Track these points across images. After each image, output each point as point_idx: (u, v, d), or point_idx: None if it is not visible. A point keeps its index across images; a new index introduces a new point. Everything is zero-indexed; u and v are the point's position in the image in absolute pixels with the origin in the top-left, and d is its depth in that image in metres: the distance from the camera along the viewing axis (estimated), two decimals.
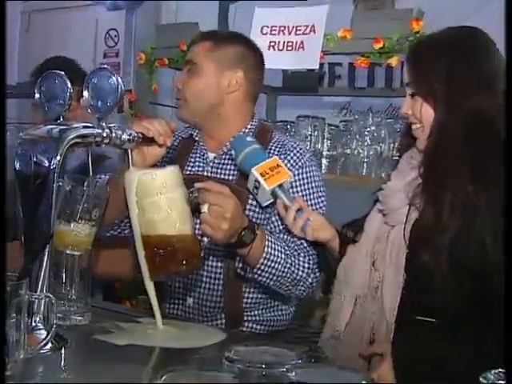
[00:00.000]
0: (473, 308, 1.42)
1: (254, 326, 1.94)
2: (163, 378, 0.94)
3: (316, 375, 0.98)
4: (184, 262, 1.52)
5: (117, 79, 1.46)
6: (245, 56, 1.97)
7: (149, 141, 1.58)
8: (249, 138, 1.81)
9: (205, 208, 1.61)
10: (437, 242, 1.45)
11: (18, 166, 1.43)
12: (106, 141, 1.46)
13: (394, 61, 2.40)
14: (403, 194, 1.56)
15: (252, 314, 1.94)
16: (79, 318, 1.60)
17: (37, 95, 1.52)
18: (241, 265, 1.78)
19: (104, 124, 1.45)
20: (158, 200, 1.51)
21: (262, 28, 2.61)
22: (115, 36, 5.35)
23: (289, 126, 2.92)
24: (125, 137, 1.49)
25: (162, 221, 1.51)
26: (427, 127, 1.55)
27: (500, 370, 1.04)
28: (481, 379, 1.02)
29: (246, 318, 1.93)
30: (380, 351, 1.51)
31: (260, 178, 1.69)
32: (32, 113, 2.47)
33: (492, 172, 1.47)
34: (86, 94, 1.47)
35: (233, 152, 1.80)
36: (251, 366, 1.03)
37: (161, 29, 3.05)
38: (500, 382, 1.03)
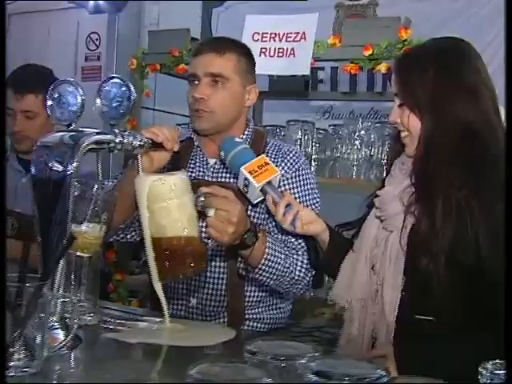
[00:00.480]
0: (470, 307, 1.49)
1: (255, 324, 2.01)
2: (195, 370, 1.00)
3: (336, 366, 1.05)
4: (192, 264, 1.60)
5: (129, 87, 1.52)
6: (254, 68, 2.05)
7: (157, 146, 1.64)
8: (237, 139, 1.86)
9: (211, 212, 1.66)
10: (433, 246, 1.51)
11: (33, 171, 1.48)
12: (119, 147, 1.52)
13: (382, 67, 2.49)
14: (399, 201, 1.62)
15: (252, 312, 2.01)
16: (89, 317, 1.66)
17: (50, 102, 1.58)
18: (242, 265, 1.85)
19: (116, 130, 1.51)
20: (168, 204, 1.57)
21: (253, 34, 2.68)
22: (97, 39, 5.36)
23: (278, 130, 2.98)
24: (136, 142, 1.55)
25: (172, 224, 1.58)
26: (415, 136, 1.59)
27: (498, 360, 1.11)
28: (480, 369, 1.09)
29: (246, 317, 2.00)
30: (383, 353, 1.56)
31: (249, 176, 1.74)
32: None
33: (480, 177, 1.54)
34: (98, 101, 1.53)
35: (222, 153, 1.85)
36: (273, 358, 1.09)
37: (153, 34, 3.10)
38: (497, 372, 1.10)
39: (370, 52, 2.47)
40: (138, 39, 5.23)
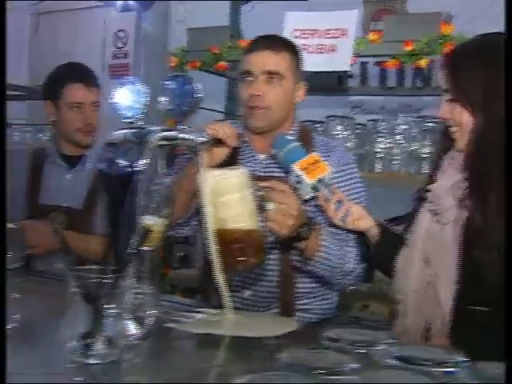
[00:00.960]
0: None
1: (305, 314, 2.05)
2: (284, 355, 1.04)
3: (415, 351, 1.09)
4: (253, 258, 1.65)
5: (193, 85, 1.56)
6: (302, 66, 2.10)
7: (218, 142, 1.69)
8: (288, 137, 1.91)
9: (270, 206, 1.71)
10: (488, 239, 1.55)
11: (102, 168, 1.53)
12: (185, 143, 1.57)
13: (422, 62, 2.52)
14: (452, 195, 1.65)
15: (303, 303, 2.05)
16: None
17: (163, 98, 1.60)
18: (297, 257, 1.89)
19: (181, 127, 1.56)
20: (231, 199, 1.62)
21: (293, 31, 2.72)
22: (124, 37, 5.41)
23: (317, 126, 3.02)
24: (199, 139, 1.60)
25: (234, 218, 1.63)
26: (466, 131, 1.62)
27: None
28: None
29: (297, 308, 2.04)
30: (439, 344, 1.56)
31: (301, 173, 1.80)
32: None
33: None
34: (162, 99, 1.58)
35: (274, 150, 1.90)
36: (352, 344, 1.14)
37: (192, 32, 3.14)
38: None
39: (411, 48, 2.49)
40: (166, 37, 5.27)
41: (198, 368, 1.30)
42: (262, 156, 2.09)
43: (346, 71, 3.11)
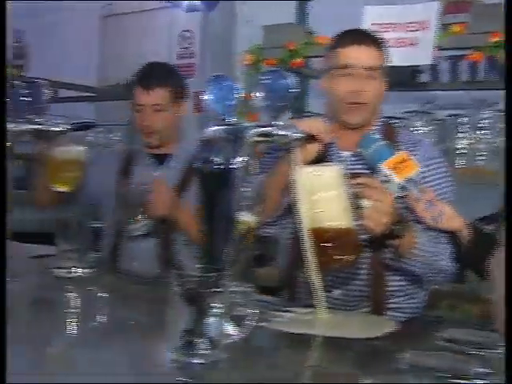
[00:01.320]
0: None
1: (395, 313, 1.99)
2: (407, 356, 1.01)
3: None
4: (349, 256, 1.62)
5: (288, 80, 1.53)
6: None
7: (311, 139, 1.67)
8: (375, 136, 1.89)
9: (365, 203, 1.68)
10: None
11: (197, 165, 1.51)
12: (280, 139, 1.54)
13: None
14: None
15: (393, 301, 2.00)
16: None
17: (258, 94, 1.58)
18: (389, 255, 1.85)
19: (277, 123, 1.53)
20: (325, 196, 1.59)
21: (371, 26, 2.67)
22: (189, 37, 5.45)
23: (396, 121, 2.96)
24: (294, 135, 1.57)
25: (329, 216, 1.60)
26: None
27: None
28: None
29: (388, 306, 1.99)
30: None
31: (390, 173, 1.77)
32: None
33: None
34: (258, 94, 1.55)
35: (360, 149, 1.87)
36: (471, 346, 1.09)
37: (268, 29, 3.12)
38: None
39: (497, 39, 2.42)
40: (232, 36, 5.27)
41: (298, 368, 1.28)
42: (347, 153, 2.05)
43: (418, 66, 3.04)
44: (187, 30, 5.45)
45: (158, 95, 2.50)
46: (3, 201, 1.58)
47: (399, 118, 2.99)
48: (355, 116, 1.99)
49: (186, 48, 5.45)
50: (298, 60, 2.92)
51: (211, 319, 1.32)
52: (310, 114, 3.01)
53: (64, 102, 4.47)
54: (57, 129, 1.90)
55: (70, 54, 5.56)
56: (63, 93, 4.81)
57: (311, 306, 1.75)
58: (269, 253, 3.03)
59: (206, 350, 1.30)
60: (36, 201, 2.48)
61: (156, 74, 2.54)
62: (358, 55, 1.96)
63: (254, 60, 3.07)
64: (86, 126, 2.07)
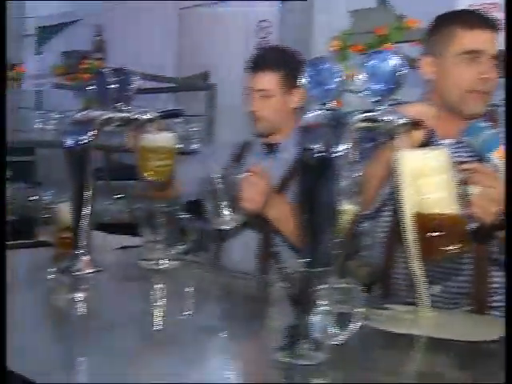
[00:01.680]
0: None
1: (496, 313, 1.86)
2: None
3: None
4: (457, 245, 1.48)
5: (395, 61, 1.42)
6: None
7: (416, 124, 1.55)
8: (483, 124, 1.77)
9: (475, 190, 1.56)
10: None
11: (297, 155, 1.42)
12: (385, 125, 1.43)
13: None
14: None
15: (497, 299, 1.86)
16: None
17: (304, 80, 1.51)
18: (497, 248, 1.75)
19: (382, 107, 1.43)
20: (433, 180, 1.47)
21: (468, 6, 2.52)
22: (267, 27, 5.38)
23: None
24: (400, 121, 1.46)
25: (437, 201, 1.47)
26: None
27: None
28: None
29: (491, 305, 1.86)
30: None
31: (501, 163, 1.65)
32: None
33: None
34: (361, 76, 1.45)
35: (466, 138, 1.76)
36: None
37: (356, 14, 3.00)
38: None
39: None
40: (309, 25, 5.16)
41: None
42: (447, 141, 1.93)
43: None
44: (264, 20, 5.39)
45: (265, 80, 2.32)
46: (3, 202, 1.54)
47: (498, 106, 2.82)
48: (478, 105, 1.89)
49: (264, 38, 5.39)
50: (388, 45, 2.78)
51: (316, 318, 1.24)
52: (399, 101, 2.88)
53: (145, 93, 4.48)
54: (145, 117, 1.85)
55: (147, 47, 5.61)
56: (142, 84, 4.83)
57: (410, 303, 1.66)
58: (361, 247, 2.93)
59: (311, 350, 1.22)
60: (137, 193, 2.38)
61: (265, 58, 2.37)
62: (486, 40, 1.86)
63: (342, 46, 2.96)
64: (175, 114, 2.00)
